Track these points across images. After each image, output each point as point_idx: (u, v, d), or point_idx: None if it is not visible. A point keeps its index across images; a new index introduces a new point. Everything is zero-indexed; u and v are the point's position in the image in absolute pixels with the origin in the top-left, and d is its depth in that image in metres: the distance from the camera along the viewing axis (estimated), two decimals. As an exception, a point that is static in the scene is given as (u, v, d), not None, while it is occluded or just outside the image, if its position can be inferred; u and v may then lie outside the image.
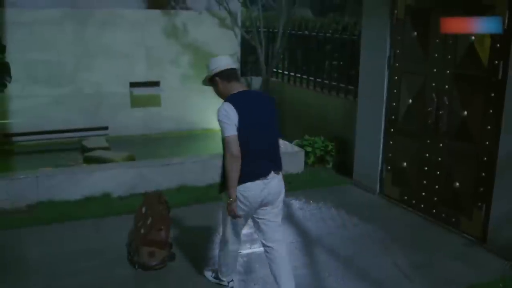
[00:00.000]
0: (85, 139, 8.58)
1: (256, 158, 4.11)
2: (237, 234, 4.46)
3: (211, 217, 5.92)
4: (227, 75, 4.24)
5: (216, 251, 4.96)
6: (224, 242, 4.51)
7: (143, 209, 5.25)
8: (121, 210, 6.26)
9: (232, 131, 4.02)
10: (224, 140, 4.05)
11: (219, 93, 4.29)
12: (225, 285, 4.73)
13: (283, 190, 4.29)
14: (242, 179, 4.05)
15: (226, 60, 4.31)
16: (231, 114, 4.03)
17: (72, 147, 8.53)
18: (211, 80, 4.28)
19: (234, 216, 4.08)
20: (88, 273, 4.87)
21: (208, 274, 4.85)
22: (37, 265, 5.03)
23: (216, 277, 4.76)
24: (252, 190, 4.09)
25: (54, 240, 5.58)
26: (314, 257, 5.30)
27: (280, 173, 4.26)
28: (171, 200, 5.99)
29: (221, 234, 4.57)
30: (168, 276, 4.89)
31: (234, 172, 3.99)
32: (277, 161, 4.25)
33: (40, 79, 8.63)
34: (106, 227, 5.94)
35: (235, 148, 3.99)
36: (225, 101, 4.12)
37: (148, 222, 5.03)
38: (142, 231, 5.03)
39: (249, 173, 4.07)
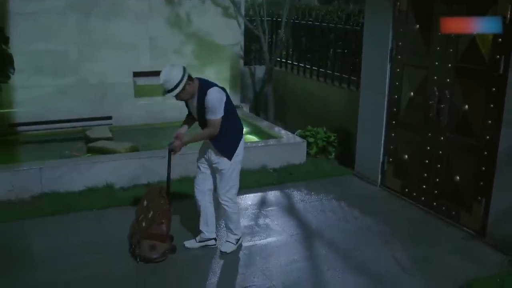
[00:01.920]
0: (89, 129, 8.61)
1: (239, 128, 5.09)
2: None
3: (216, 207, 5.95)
4: (189, 75, 4.77)
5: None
6: (235, 196, 5.18)
7: (145, 203, 5.31)
8: (124, 201, 6.34)
9: (221, 114, 4.76)
10: (214, 121, 4.75)
11: (190, 93, 4.77)
12: (213, 245, 5.30)
13: None
14: (236, 142, 4.98)
15: (177, 68, 4.74)
16: (223, 99, 4.78)
17: (76, 137, 8.57)
18: (184, 88, 4.71)
19: (175, 153, 5.07)
20: (91, 266, 4.95)
21: (192, 243, 5.31)
22: (41, 258, 5.11)
23: (203, 239, 5.31)
24: (241, 148, 5.05)
25: (58, 232, 5.65)
26: (314, 250, 5.35)
27: None
28: (173, 191, 6.04)
29: (231, 193, 5.10)
30: (169, 268, 4.95)
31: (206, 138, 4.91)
32: None
33: (45, 70, 8.65)
34: (109, 219, 6.02)
35: (218, 129, 4.77)
36: (212, 88, 4.75)
37: (150, 215, 5.09)
38: (144, 224, 5.08)
39: (239, 135, 5.04)
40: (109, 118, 9.13)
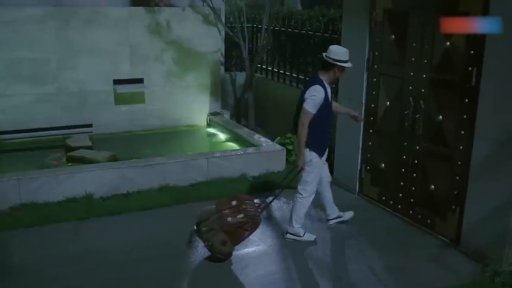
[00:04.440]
0: (69, 138, 8.60)
1: None
2: None
3: (193, 217, 5.97)
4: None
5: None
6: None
7: (234, 202, 5.43)
8: (103, 211, 6.36)
9: None
10: None
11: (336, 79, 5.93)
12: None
13: None
14: None
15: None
16: None
17: (56, 145, 8.55)
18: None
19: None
20: (71, 277, 4.97)
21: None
22: (20, 269, 5.11)
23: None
24: None
25: (37, 244, 5.64)
26: (291, 261, 5.42)
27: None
28: (153, 200, 6.07)
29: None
30: (147, 280, 4.95)
31: None
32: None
33: (24, 78, 8.62)
34: (88, 229, 6.01)
35: None
36: None
37: (239, 216, 5.25)
38: (229, 219, 5.21)
39: None
40: (90, 126, 9.13)
